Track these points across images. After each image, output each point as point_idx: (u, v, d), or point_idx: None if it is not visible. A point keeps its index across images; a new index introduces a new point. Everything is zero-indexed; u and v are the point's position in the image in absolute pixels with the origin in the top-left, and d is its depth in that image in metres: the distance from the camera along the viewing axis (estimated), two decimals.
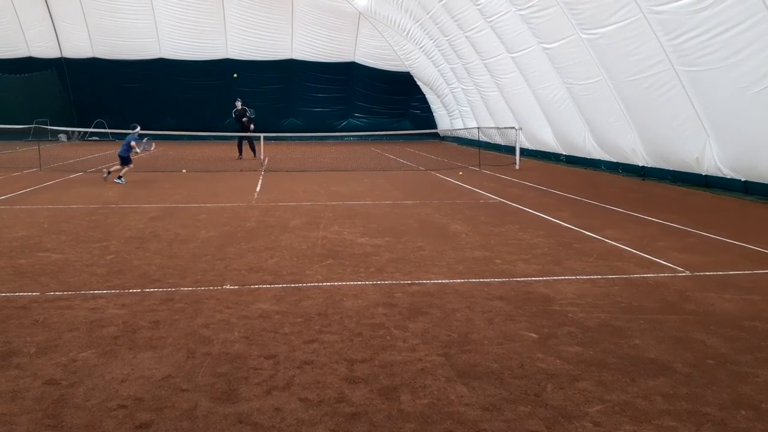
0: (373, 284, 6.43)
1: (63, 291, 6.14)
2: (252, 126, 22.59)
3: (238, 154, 22.78)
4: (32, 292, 6.11)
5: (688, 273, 6.87)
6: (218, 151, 27.08)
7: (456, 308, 5.62)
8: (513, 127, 21.00)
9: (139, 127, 15.94)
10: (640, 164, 16.19)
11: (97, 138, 34.44)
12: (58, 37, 33.52)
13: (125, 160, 15.46)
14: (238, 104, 22.90)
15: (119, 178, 15.08)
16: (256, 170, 18.55)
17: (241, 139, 22.96)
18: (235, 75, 29.93)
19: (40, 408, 3.71)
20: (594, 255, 7.72)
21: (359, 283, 6.49)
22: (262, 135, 21.48)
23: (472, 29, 22.48)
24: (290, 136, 30.44)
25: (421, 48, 30.20)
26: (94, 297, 5.94)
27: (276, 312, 5.51)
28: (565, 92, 18.31)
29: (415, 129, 33.69)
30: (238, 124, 22.84)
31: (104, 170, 15.82)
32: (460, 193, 13.72)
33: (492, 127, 25.03)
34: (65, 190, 13.83)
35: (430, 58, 30.04)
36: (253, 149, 22.94)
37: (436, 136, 36.15)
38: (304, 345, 4.73)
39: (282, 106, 34.88)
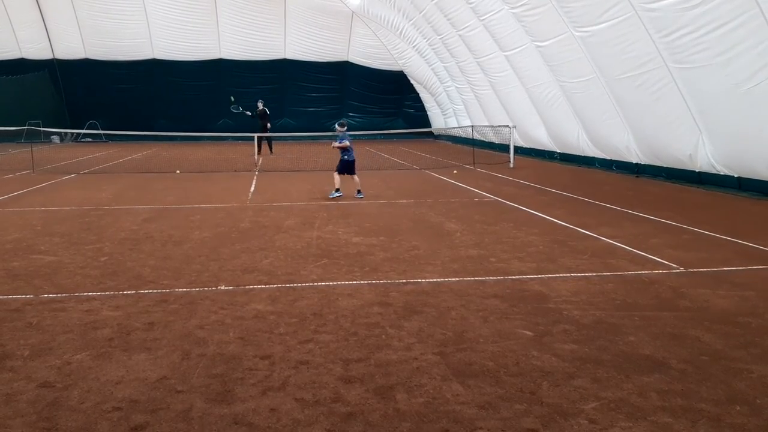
0: (368, 284, 6.43)
1: (57, 293, 6.11)
2: (269, 125, 25.03)
3: (257, 151, 23.56)
4: (26, 294, 6.08)
5: (682, 270, 6.88)
6: (212, 151, 27.04)
7: (451, 307, 5.62)
8: (507, 126, 21.02)
9: (346, 126, 13.09)
10: (634, 161, 16.23)
11: (90, 139, 34.36)
12: (50, 38, 33.40)
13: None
14: (260, 105, 25.07)
15: (337, 191, 12.54)
16: (250, 171, 18.52)
17: (260, 138, 24.28)
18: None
19: (35, 411, 3.70)
20: (588, 252, 7.73)
21: (354, 282, 6.48)
22: (255, 135, 21.49)
23: (465, 28, 22.50)
24: (284, 136, 30.40)
25: (414, 47, 30.19)
26: (88, 299, 5.92)
27: (271, 312, 5.50)
28: (559, 90, 18.34)
29: (408, 128, 33.68)
30: (260, 123, 24.74)
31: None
32: (454, 191, 13.72)
33: (486, 126, 25.06)
34: (58, 192, 13.78)
35: (424, 57, 30.05)
36: (270, 147, 25.34)
37: (431, 134, 36.14)
38: (299, 345, 4.72)
39: (275, 106, 34.86)
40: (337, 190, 12.55)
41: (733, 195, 12.44)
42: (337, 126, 13.13)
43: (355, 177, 12.78)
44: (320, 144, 32.43)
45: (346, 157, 12.64)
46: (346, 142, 12.68)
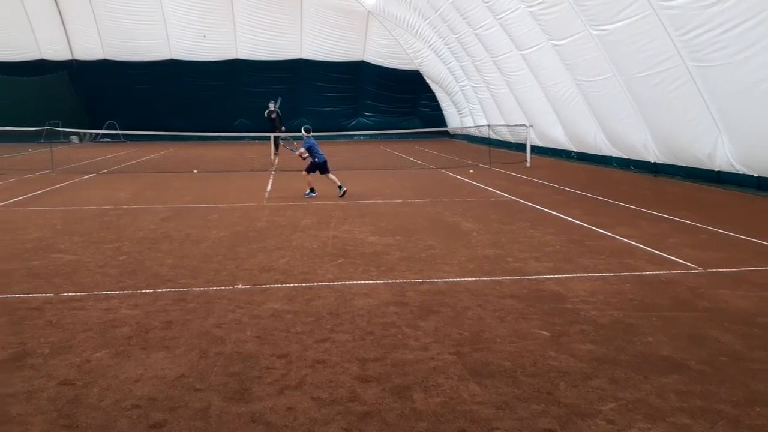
0: (384, 283, 6.43)
1: (76, 292, 6.18)
2: (283, 127, 24.91)
3: (275, 152, 23.29)
4: (46, 293, 6.16)
5: (700, 270, 6.82)
6: (229, 151, 27.18)
7: (467, 307, 5.62)
8: (523, 125, 20.93)
9: (311, 131, 13.60)
10: (652, 161, 16.09)
11: (108, 139, 34.68)
12: (68, 39, 33.71)
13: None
14: (271, 106, 25.17)
15: (311, 191, 12.99)
16: (266, 170, 18.59)
17: (276, 138, 24.00)
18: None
19: (55, 408, 3.74)
20: (606, 252, 7.69)
21: (370, 282, 6.49)
22: (272, 135, 21.57)
23: (481, 26, 22.42)
24: (300, 136, 30.51)
25: (430, 46, 30.14)
26: (107, 298, 5.98)
27: (288, 311, 5.53)
28: (576, 89, 18.23)
29: (424, 127, 33.59)
30: (269, 124, 24.90)
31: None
32: (470, 191, 13.69)
33: (502, 125, 24.96)
34: (77, 192, 13.92)
35: (440, 56, 29.99)
36: (276, 146, 25.21)
37: (447, 134, 36.06)
38: (315, 344, 4.74)
39: (291, 106, 34.97)
40: (312, 190, 12.95)
41: (752, 194, 12.30)
42: (302, 130, 13.59)
43: (330, 176, 13.15)
44: (336, 143, 32.52)
45: (316, 159, 13.07)
46: (302, 149, 13.36)
